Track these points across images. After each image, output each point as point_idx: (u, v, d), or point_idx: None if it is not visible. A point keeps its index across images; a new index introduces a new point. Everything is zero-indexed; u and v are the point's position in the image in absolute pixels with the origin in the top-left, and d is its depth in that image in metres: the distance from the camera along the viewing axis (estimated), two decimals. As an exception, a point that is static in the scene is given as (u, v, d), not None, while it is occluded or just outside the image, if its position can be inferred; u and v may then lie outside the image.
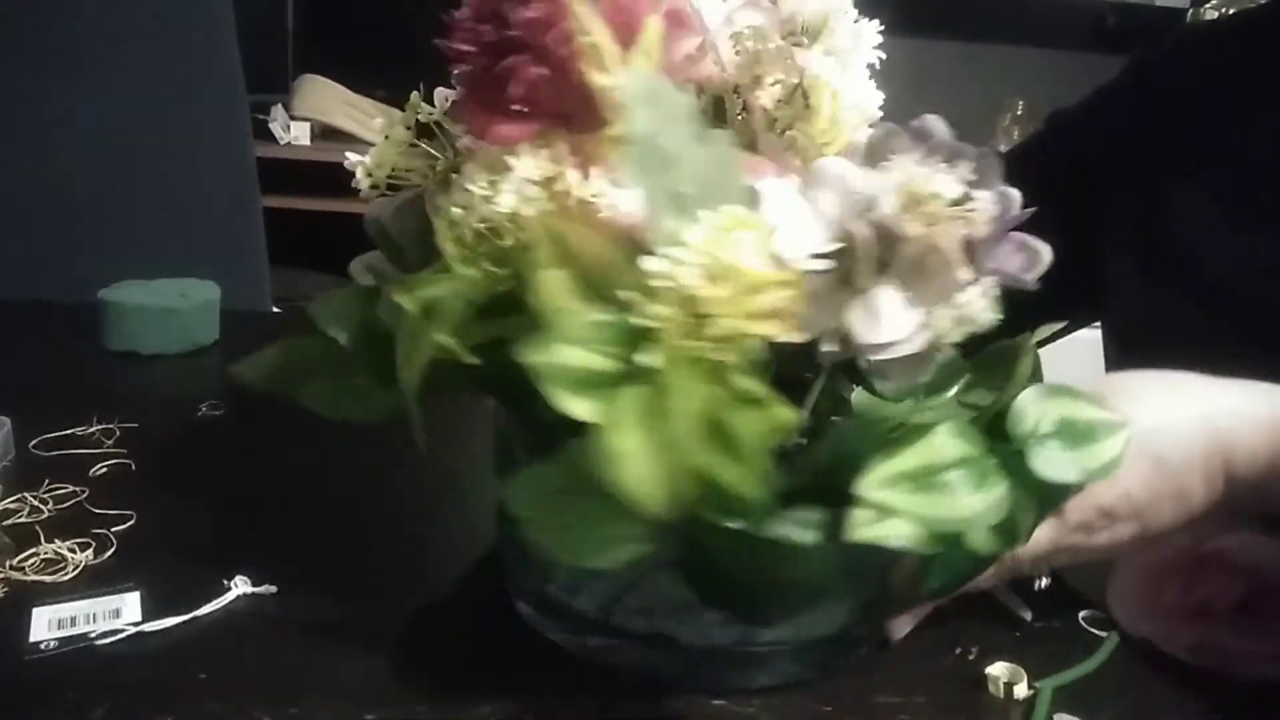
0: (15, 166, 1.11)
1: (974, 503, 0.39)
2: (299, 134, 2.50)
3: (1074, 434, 0.42)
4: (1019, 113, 2.49)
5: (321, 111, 2.54)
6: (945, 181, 0.35)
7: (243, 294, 1.09)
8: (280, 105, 2.50)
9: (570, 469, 0.38)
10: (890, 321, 0.36)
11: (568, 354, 0.37)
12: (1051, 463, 0.41)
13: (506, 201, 0.41)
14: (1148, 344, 0.55)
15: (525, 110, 0.42)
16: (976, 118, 2.35)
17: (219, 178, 1.23)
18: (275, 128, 2.46)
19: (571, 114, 0.42)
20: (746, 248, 0.35)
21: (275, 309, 1.43)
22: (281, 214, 1.65)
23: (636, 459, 0.35)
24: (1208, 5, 1.88)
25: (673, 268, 0.35)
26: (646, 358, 0.37)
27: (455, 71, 0.43)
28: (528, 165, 0.42)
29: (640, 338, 0.37)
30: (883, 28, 0.45)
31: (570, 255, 0.39)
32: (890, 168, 0.36)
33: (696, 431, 0.36)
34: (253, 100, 1.32)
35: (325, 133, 2.57)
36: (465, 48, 0.42)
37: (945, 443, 0.40)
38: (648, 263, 0.35)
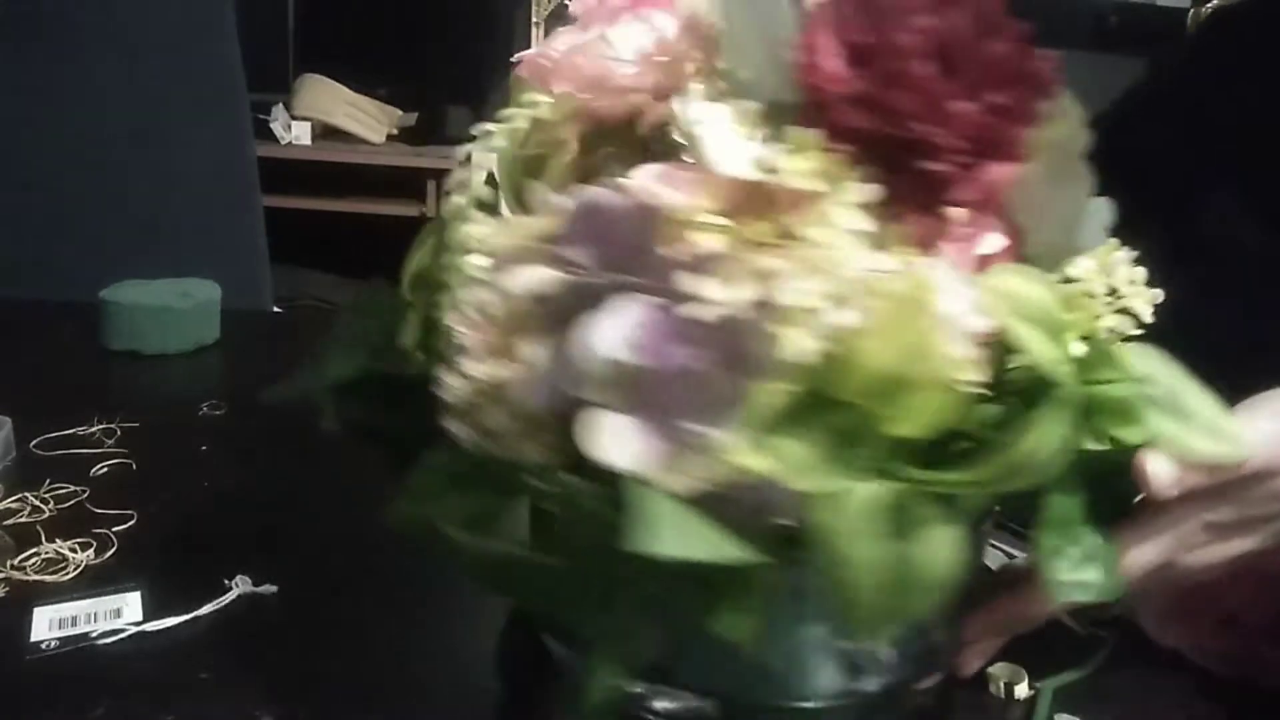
0: (15, 166, 1.11)
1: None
2: (299, 134, 2.50)
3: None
4: (1020, 112, 2.48)
5: (322, 111, 2.55)
6: None
7: (243, 294, 1.09)
8: (281, 105, 2.50)
9: None
10: None
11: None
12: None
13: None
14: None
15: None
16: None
17: (219, 178, 1.23)
18: (276, 128, 2.46)
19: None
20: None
21: (276, 309, 1.43)
22: (281, 214, 1.65)
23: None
24: (1209, 5, 1.88)
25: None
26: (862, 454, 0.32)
27: (925, 165, 0.32)
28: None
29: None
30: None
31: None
32: None
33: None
34: (253, 100, 1.32)
35: (326, 132, 2.57)
36: (945, 140, 0.31)
37: None
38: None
